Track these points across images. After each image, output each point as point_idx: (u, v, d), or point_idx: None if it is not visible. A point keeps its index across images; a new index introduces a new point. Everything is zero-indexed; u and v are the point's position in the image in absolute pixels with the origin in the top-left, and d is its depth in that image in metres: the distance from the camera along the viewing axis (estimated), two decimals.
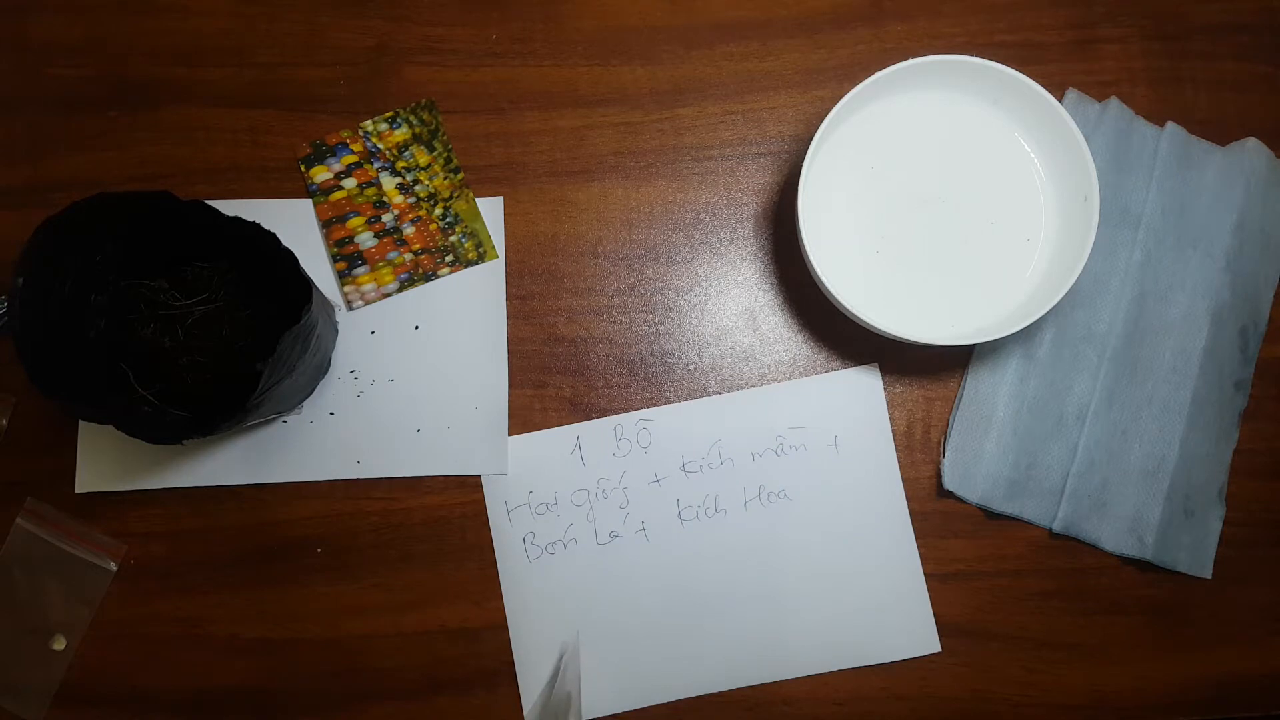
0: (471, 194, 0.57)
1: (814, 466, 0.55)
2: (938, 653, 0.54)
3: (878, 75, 0.50)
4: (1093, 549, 0.55)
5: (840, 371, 0.56)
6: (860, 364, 0.56)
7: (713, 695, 0.54)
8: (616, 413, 0.55)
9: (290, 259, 0.46)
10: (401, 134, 0.57)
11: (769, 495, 0.55)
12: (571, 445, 0.55)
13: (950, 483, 0.54)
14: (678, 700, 0.54)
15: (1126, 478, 0.55)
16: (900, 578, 0.55)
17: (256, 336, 0.52)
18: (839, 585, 0.54)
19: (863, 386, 0.56)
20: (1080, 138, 0.50)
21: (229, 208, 0.47)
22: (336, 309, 0.55)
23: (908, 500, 0.55)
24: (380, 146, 0.57)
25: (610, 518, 0.55)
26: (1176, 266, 0.56)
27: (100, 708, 0.53)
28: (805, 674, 0.54)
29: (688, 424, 0.55)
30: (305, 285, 0.46)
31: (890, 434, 0.56)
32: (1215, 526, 0.55)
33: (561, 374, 0.56)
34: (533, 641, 0.54)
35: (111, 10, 0.57)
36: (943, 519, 0.55)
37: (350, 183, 0.56)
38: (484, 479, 0.55)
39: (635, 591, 0.54)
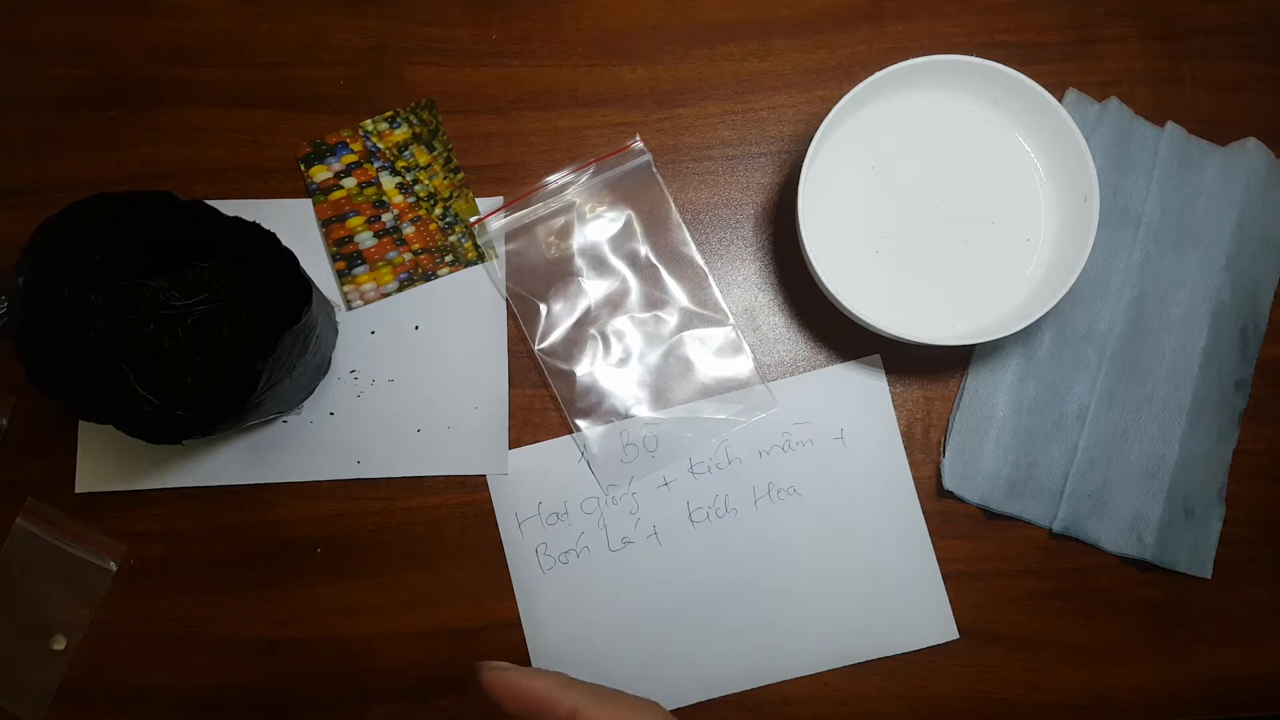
0: (471, 194, 0.57)
1: (822, 461, 0.55)
2: (955, 640, 0.54)
3: (878, 75, 0.50)
4: (1093, 549, 0.55)
5: (842, 365, 0.56)
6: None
7: (718, 696, 0.54)
8: (617, 414, 0.55)
9: (290, 259, 0.46)
10: (401, 134, 0.57)
11: (778, 492, 0.55)
12: (578, 453, 0.55)
13: (950, 483, 0.54)
14: (688, 705, 0.54)
15: (1126, 478, 0.55)
16: (914, 566, 0.55)
17: (256, 336, 0.52)
18: (853, 578, 0.55)
19: (865, 378, 0.56)
20: (1080, 138, 0.50)
21: (229, 208, 0.47)
22: (336, 309, 0.55)
23: None
24: (380, 146, 0.57)
25: (621, 524, 0.55)
26: (1176, 266, 0.56)
27: (100, 708, 0.53)
28: (824, 669, 0.54)
29: (693, 425, 0.55)
30: (305, 285, 0.46)
31: (895, 423, 0.56)
32: (1215, 526, 0.55)
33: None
34: (550, 652, 0.54)
35: (111, 10, 0.57)
36: (943, 519, 0.55)
37: (350, 182, 0.56)
38: (493, 491, 0.55)
39: (650, 595, 0.54)
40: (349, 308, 0.55)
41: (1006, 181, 0.54)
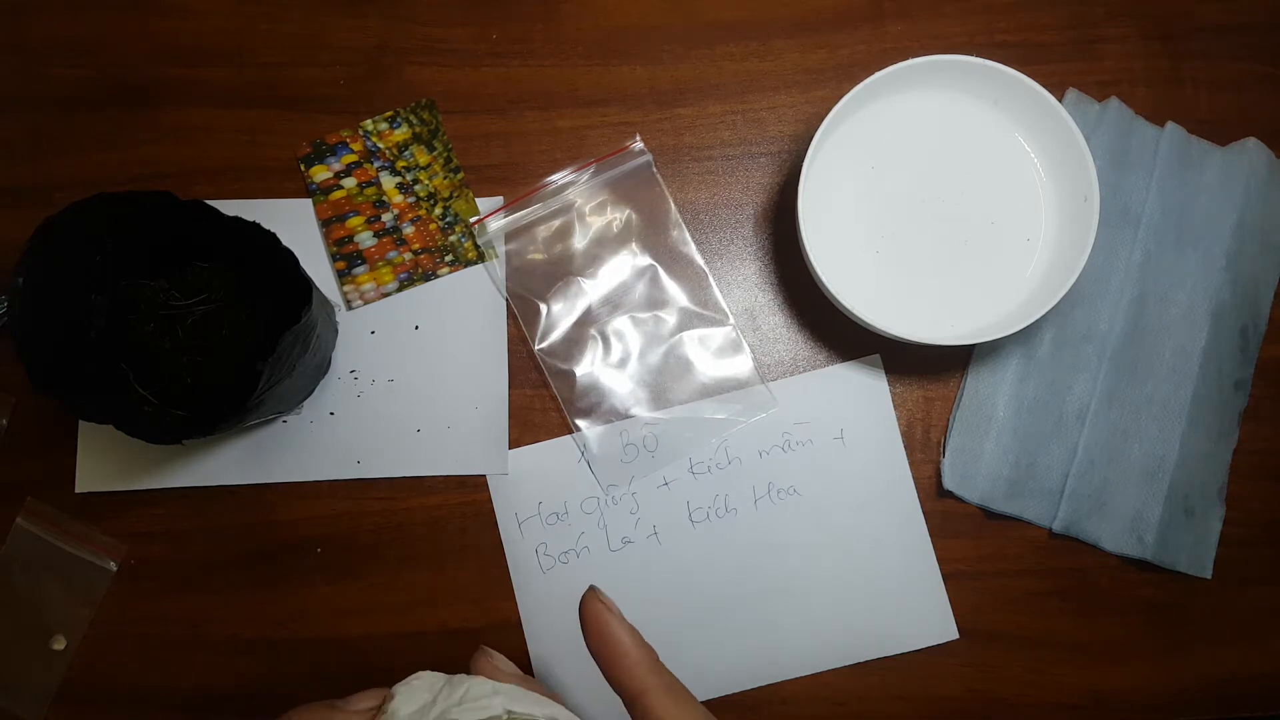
0: (471, 194, 0.57)
1: (822, 461, 0.55)
2: (955, 639, 0.54)
3: (878, 75, 0.50)
4: (1093, 549, 0.55)
5: (842, 365, 0.56)
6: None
7: (718, 696, 0.54)
8: (617, 413, 0.55)
9: (290, 259, 0.46)
10: (401, 133, 0.57)
11: (778, 492, 0.55)
12: (579, 453, 0.55)
13: (950, 483, 0.54)
14: None
15: (1126, 478, 0.55)
16: (914, 566, 0.55)
17: (256, 336, 0.52)
18: (853, 578, 0.55)
19: (865, 379, 0.56)
20: (1080, 138, 0.50)
21: (229, 208, 0.47)
22: (336, 309, 0.55)
23: None
24: (380, 146, 0.57)
25: (621, 524, 0.55)
26: (1176, 266, 0.56)
27: (100, 708, 0.53)
28: (824, 669, 0.54)
29: (693, 425, 0.55)
30: (305, 285, 0.46)
31: (895, 422, 0.56)
32: (1215, 526, 0.55)
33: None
34: (550, 652, 0.54)
35: (111, 10, 0.57)
36: (943, 519, 0.55)
37: (350, 182, 0.56)
38: (493, 491, 0.55)
39: (650, 596, 0.54)
40: (349, 308, 0.55)
41: (1006, 181, 0.54)
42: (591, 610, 0.35)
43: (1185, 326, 0.56)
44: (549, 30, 0.58)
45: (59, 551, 0.53)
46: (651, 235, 0.56)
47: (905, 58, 0.51)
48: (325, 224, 0.56)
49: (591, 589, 0.35)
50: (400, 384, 0.55)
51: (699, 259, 0.56)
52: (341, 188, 0.56)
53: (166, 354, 0.51)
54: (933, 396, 0.56)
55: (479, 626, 0.54)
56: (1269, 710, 0.55)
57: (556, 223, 0.56)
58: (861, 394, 0.56)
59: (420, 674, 0.34)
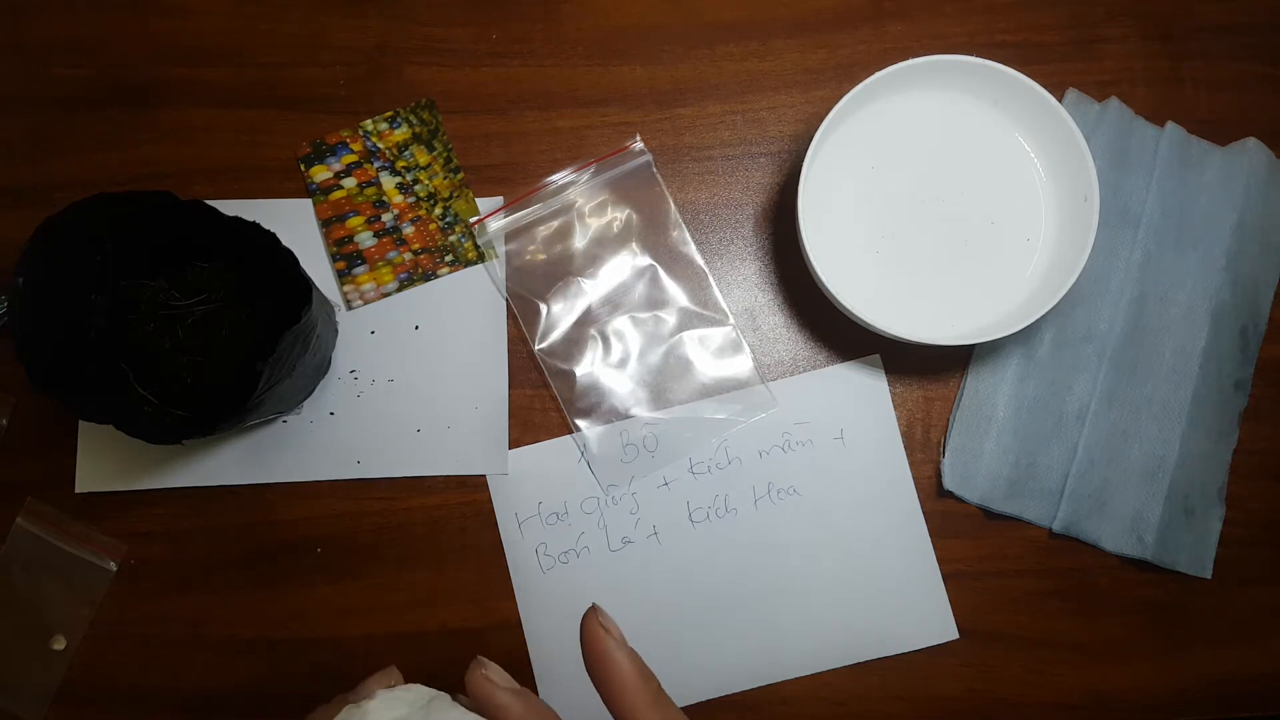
0: (471, 194, 0.57)
1: (822, 461, 0.55)
2: (955, 639, 0.54)
3: (878, 75, 0.50)
4: (1093, 549, 0.55)
5: (842, 365, 0.56)
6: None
7: (718, 696, 0.54)
8: (617, 413, 0.55)
9: (290, 259, 0.46)
10: (401, 134, 0.57)
11: (778, 492, 0.55)
12: (578, 453, 0.55)
13: (950, 483, 0.54)
14: (688, 705, 0.54)
15: (1126, 478, 0.55)
16: (914, 566, 0.55)
17: (256, 336, 0.52)
18: (853, 578, 0.55)
19: (865, 379, 0.56)
20: (1080, 138, 0.50)
21: (229, 208, 0.47)
22: (336, 309, 0.55)
23: None
24: (380, 146, 0.57)
25: (621, 524, 0.55)
26: (1176, 266, 0.56)
27: (100, 708, 0.53)
28: (824, 669, 0.54)
29: (693, 425, 0.55)
30: (305, 285, 0.46)
31: (895, 422, 0.56)
32: (1215, 526, 0.55)
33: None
34: (550, 652, 0.54)
35: (111, 10, 0.57)
36: (943, 519, 0.55)
37: (350, 182, 0.56)
38: (493, 491, 0.55)
39: (650, 596, 0.54)
40: (349, 308, 0.55)
41: (1006, 181, 0.54)
42: (591, 633, 0.33)
43: (1185, 326, 0.56)
44: (549, 30, 0.58)
45: (59, 551, 0.53)
46: (651, 235, 0.56)
47: (905, 58, 0.51)
48: (325, 224, 0.56)
49: (593, 609, 0.34)
50: (400, 384, 0.55)
51: (699, 259, 0.56)
52: (341, 188, 0.56)
53: (166, 354, 0.51)
54: (933, 396, 0.56)
55: (479, 626, 0.54)
56: (1269, 710, 0.55)
57: (556, 223, 0.56)
58: (861, 394, 0.56)
59: (410, 686, 0.33)
